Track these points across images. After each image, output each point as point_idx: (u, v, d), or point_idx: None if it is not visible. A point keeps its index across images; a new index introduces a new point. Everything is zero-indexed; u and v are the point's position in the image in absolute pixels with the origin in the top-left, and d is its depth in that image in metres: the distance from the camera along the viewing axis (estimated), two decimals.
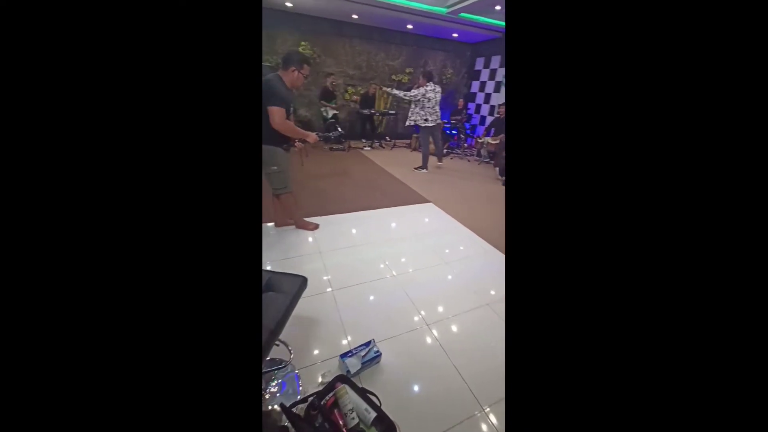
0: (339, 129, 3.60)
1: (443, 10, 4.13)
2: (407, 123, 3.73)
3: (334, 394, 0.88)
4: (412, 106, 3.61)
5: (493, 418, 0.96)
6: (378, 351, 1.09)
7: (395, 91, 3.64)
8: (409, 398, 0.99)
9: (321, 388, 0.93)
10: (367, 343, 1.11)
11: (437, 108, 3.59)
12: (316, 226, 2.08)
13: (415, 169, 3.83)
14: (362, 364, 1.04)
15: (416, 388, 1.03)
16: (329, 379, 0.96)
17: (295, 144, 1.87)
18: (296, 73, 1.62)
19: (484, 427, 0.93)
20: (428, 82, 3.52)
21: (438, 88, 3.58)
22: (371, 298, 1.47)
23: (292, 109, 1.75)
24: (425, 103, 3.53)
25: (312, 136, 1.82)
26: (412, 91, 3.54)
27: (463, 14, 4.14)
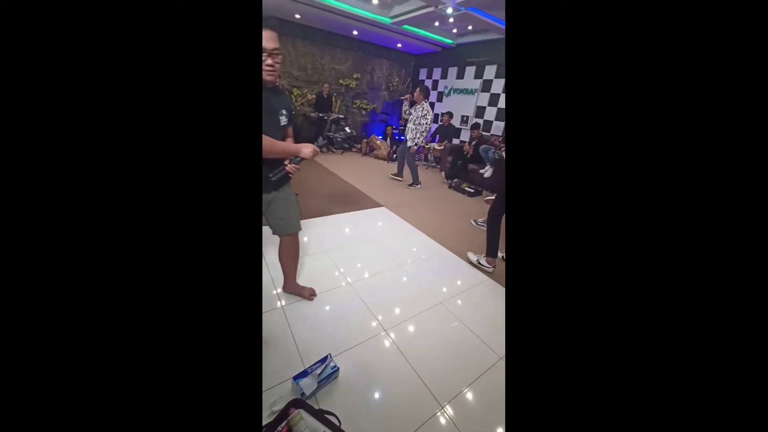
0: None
1: (387, 20, 4.26)
2: (409, 144, 3.45)
3: (287, 423, 0.79)
4: (413, 127, 3.35)
5: (450, 411, 0.98)
6: (335, 366, 1.03)
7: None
8: (370, 410, 0.96)
9: (272, 418, 0.83)
10: (323, 359, 1.04)
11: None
12: None
13: (410, 185, 3.58)
14: (318, 383, 0.96)
15: (377, 396, 1.00)
16: (281, 406, 0.87)
17: None
18: None
19: (443, 423, 0.95)
20: (425, 99, 3.29)
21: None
22: (327, 308, 1.39)
23: None
24: (429, 120, 3.34)
25: None
26: (416, 113, 3.30)
27: (405, 26, 4.34)
